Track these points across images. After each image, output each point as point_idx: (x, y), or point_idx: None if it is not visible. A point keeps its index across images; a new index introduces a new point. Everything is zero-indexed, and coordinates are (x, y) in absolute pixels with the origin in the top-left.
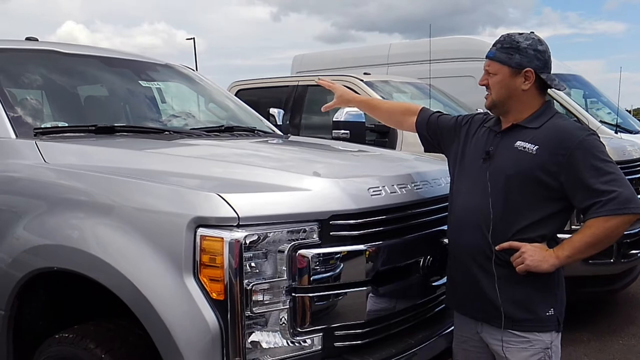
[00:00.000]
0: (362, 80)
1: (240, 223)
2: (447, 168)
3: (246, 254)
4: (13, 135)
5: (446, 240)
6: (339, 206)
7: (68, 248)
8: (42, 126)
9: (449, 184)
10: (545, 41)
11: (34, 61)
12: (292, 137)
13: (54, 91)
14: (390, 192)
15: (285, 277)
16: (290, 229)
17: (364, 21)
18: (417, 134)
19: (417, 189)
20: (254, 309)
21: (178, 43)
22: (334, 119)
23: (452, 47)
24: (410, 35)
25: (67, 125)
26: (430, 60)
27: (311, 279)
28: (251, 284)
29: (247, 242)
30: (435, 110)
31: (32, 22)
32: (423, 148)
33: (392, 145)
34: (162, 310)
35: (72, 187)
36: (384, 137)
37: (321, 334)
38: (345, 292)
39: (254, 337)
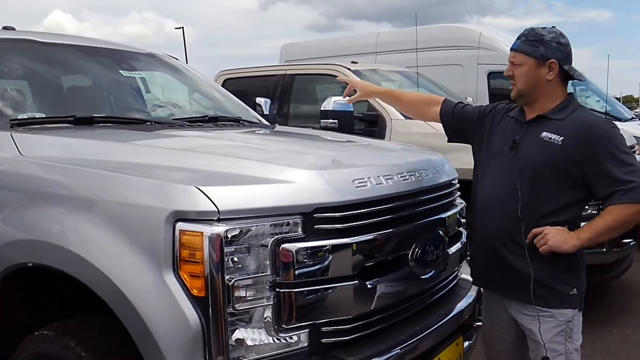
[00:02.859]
0: (349, 69)
1: (220, 217)
2: (436, 158)
3: (227, 249)
4: None
5: (441, 232)
6: (322, 199)
7: (42, 243)
8: (19, 117)
9: (435, 175)
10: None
11: (11, 51)
12: (279, 127)
13: (32, 82)
14: (377, 184)
15: (269, 272)
16: (273, 222)
17: (352, 10)
18: (441, 123)
19: (404, 179)
20: (236, 305)
21: (167, 32)
22: (321, 108)
23: (441, 36)
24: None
25: (44, 116)
26: (417, 49)
27: (296, 273)
28: (233, 280)
29: (228, 236)
30: (457, 101)
31: (17, 12)
32: (447, 138)
33: (380, 135)
34: (141, 307)
35: (47, 180)
36: (372, 126)
37: (307, 330)
38: (332, 287)
39: (237, 334)
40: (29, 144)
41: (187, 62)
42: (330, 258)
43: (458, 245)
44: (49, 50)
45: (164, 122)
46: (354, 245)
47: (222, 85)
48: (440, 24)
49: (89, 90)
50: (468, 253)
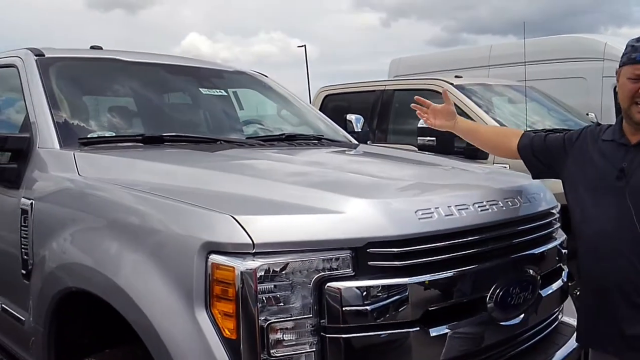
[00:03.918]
0: (452, 84)
1: (255, 250)
2: (528, 184)
3: (262, 286)
4: (57, 146)
5: (531, 271)
6: (377, 232)
7: (82, 266)
8: (89, 136)
9: (525, 205)
10: None
11: (95, 69)
12: (362, 147)
13: (114, 100)
14: (445, 215)
15: (311, 315)
16: (317, 257)
17: (475, 24)
18: (521, 159)
19: (482, 210)
20: (272, 350)
21: (291, 51)
22: (419, 125)
23: (562, 47)
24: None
25: (113, 134)
26: (525, 62)
27: (343, 317)
28: (269, 322)
29: (264, 272)
30: (537, 131)
31: (158, 34)
32: (531, 176)
33: (484, 155)
34: (170, 344)
35: (90, 202)
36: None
37: None
38: (386, 334)
39: None
40: (88, 164)
41: (308, 78)
42: (385, 300)
43: (557, 284)
44: (135, 69)
45: (236, 142)
46: (414, 285)
47: (323, 102)
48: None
49: (170, 108)
50: (576, 292)
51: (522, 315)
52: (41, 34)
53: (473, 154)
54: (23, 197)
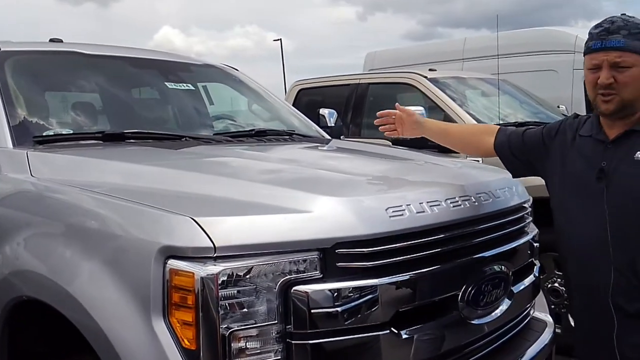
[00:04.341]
0: (425, 77)
1: (217, 254)
2: (501, 179)
3: (224, 292)
4: (10, 145)
5: (502, 268)
6: (346, 231)
7: (37, 274)
8: (44, 134)
9: (497, 199)
10: None
11: (54, 64)
12: (336, 141)
13: (74, 96)
14: (417, 212)
15: (276, 320)
16: (283, 260)
17: (450, 17)
18: (498, 157)
19: (455, 206)
20: None
21: (267, 44)
22: None
23: (533, 40)
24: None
25: (71, 132)
26: (498, 55)
27: (311, 321)
28: (231, 330)
29: (226, 277)
30: (515, 126)
31: (131, 27)
32: (511, 175)
33: None
34: (126, 358)
35: (40, 204)
36: None
37: None
38: (356, 338)
39: None
40: (44, 164)
41: (284, 73)
42: (354, 302)
43: (529, 279)
44: (96, 63)
45: (202, 138)
46: (384, 286)
47: (297, 96)
48: None
49: (133, 103)
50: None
51: (493, 313)
52: (7, 31)
53: (447, 148)
54: None
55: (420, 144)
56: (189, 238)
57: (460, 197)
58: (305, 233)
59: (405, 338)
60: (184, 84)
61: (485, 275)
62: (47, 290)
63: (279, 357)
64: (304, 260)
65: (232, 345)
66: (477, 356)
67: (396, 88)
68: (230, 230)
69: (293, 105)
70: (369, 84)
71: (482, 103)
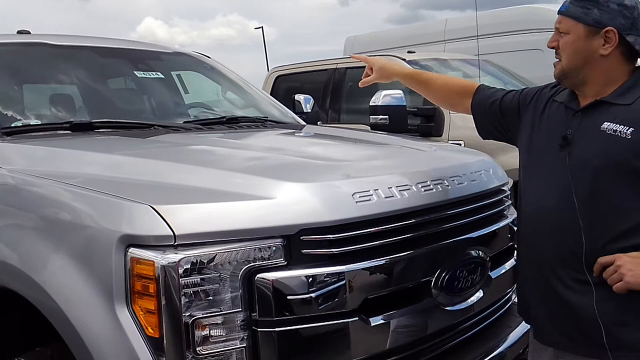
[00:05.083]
0: (404, 60)
1: (177, 242)
2: (476, 161)
3: (186, 280)
4: None
5: (479, 253)
6: (310, 218)
7: (6, 264)
8: (13, 125)
9: (473, 182)
10: None
11: (22, 55)
12: (310, 127)
13: (43, 87)
14: (386, 197)
15: (241, 308)
16: (246, 247)
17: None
18: (473, 118)
19: (426, 190)
20: (198, 348)
21: (250, 33)
22: (370, 104)
23: (517, 18)
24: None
25: (39, 123)
26: (477, 36)
27: (275, 309)
28: (194, 317)
29: (189, 264)
30: (497, 88)
31: (113, 20)
32: (480, 136)
33: (438, 131)
34: (92, 345)
35: (10, 195)
36: (429, 121)
37: None
38: (323, 326)
39: None
40: (11, 154)
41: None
42: (320, 290)
43: (509, 264)
44: (64, 54)
45: (171, 126)
46: (351, 273)
47: (274, 83)
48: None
49: (103, 93)
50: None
51: (470, 300)
52: None
53: (427, 131)
54: None
55: (399, 128)
56: (149, 226)
57: (432, 180)
58: (269, 220)
59: (376, 325)
60: (154, 73)
61: (460, 261)
62: (17, 279)
63: (245, 345)
64: (268, 248)
65: (195, 332)
66: (454, 342)
67: None
68: (191, 218)
69: (271, 92)
70: (347, 68)
71: None
